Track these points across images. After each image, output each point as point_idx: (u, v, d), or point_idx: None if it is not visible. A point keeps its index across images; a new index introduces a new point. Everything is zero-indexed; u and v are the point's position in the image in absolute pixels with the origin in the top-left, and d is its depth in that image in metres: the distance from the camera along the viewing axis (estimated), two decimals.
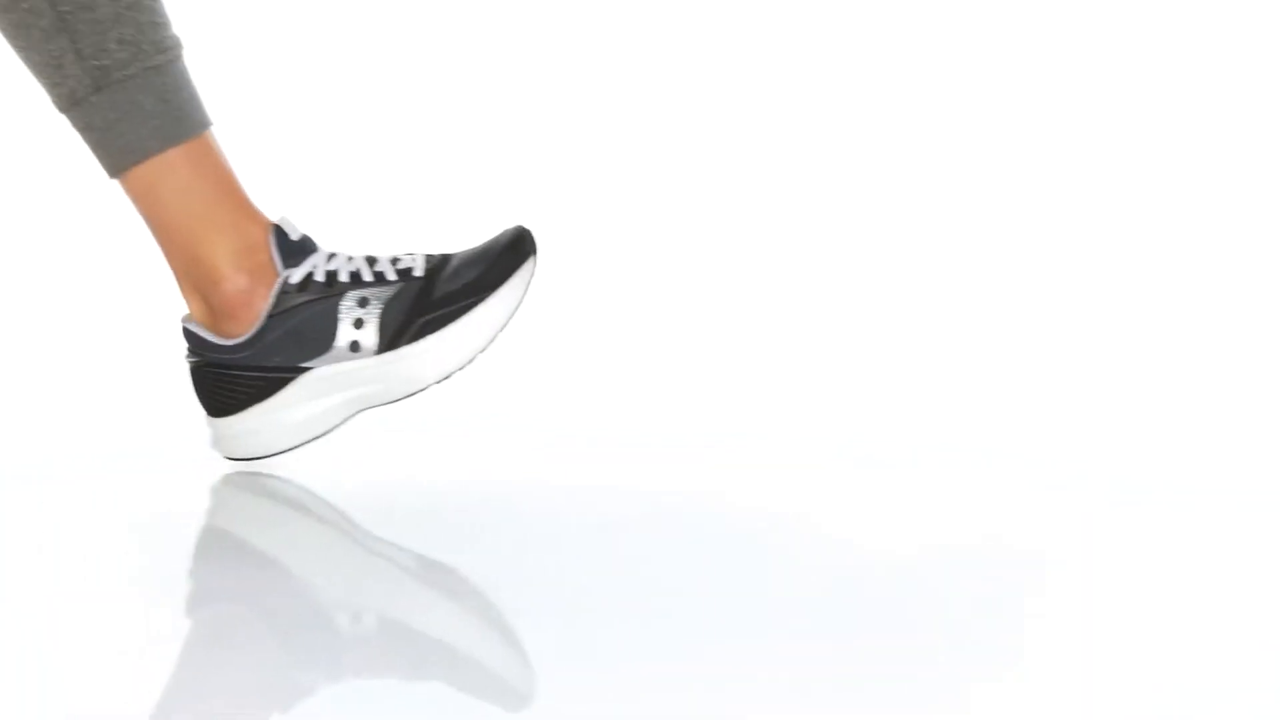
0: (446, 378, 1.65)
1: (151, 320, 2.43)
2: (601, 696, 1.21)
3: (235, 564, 1.53)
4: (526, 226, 1.69)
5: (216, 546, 1.58)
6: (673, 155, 3.04)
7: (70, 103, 1.62)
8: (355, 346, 1.64)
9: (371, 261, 1.66)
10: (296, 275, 1.65)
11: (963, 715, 1.19)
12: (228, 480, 1.70)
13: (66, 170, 2.95)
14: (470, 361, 1.65)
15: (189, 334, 1.67)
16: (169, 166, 1.63)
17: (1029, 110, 3.13)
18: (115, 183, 1.66)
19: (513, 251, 1.67)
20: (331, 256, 1.66)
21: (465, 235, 2.71)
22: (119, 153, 1.62)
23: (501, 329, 1.66)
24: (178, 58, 1.63)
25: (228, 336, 1.66)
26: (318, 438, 1.68)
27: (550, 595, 1.43)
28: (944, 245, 2.84)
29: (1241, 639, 1.32)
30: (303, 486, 1.68)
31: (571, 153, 3.02)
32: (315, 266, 1.65)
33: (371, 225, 2.28)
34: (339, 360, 1.65)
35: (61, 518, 1.61)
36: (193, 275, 1.66)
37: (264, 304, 1.65)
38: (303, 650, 1.31)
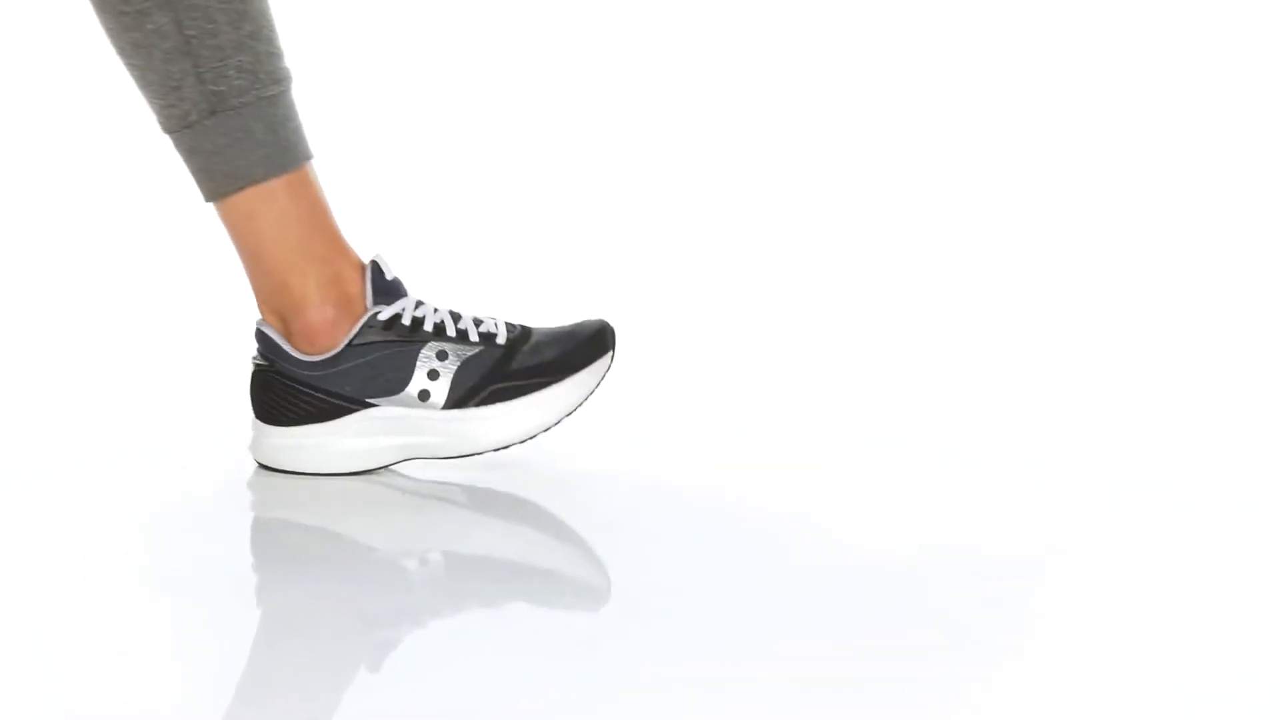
0: (504, 448, 1.68)
1: (153, 320, 2.43)
2: (601, 695, 1.21)
3: (250, 559, 1.53)
4: (610, 323, 1.72)
5: (234, 540, 1.58)
6: (677, 160, 3.05)
7: (181, 125, 1.63)
8: (424, 396, 1.67)
9: (456, 318, 1.69)
10: (385, 313, 1.67)
11: (963, 715, 1.19)
12: (232, 477, 1.71)
13: (67, 171, 2.96)
14: (531, 437, 1.68)
15: (263, 337, 1.68)
16: (271, 195, 1.65)
17: (1028, 112, 3.13)
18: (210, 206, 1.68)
19: (594, 342, 1.70)
20: (419, 304, 1.69)
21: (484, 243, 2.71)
22: (223, 178, 1.64)
23: (568, 414, 1.69)
24: (288, 89, 1.65)
25: (305, 355, 1.67)
26: (358, 473, 1.69)
27: (550, 592, 1.43)
28: (945, 246, 2.84)
29: (1241, 639, 1.32)
30: (309, 488, 1.68)
31: (576, 154, 3.02)
32: (404, 309, 1.68)
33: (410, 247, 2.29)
34: (405, 405, 1.67)
35: (61, 518, 1.61)
36: (277, 300, 1.68)
37: (347, 332, 1.67)
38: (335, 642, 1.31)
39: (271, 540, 1.62)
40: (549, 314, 2.44)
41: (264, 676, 1.27)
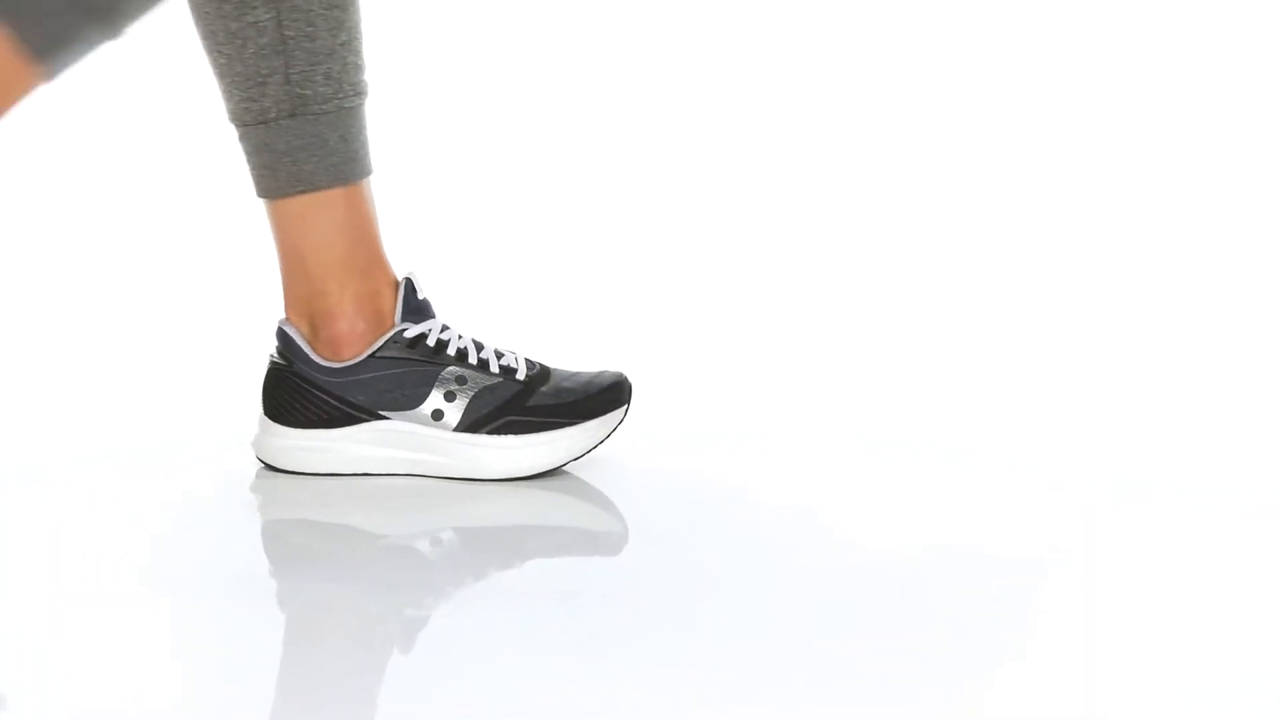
0: (507, 479, 1.68)
1: (154, 320, 2.43)
2: (605, 690, 1.21)
3: (260, 556, 1.53)
4: (628, 377, 1.73)
5: (235, 536, 1.59)
6: (683, 167, 3.05)
7: (258, 120, 1.64)
8: (438, 415, 1.68)
9: (479, 347, 1.70)
10: (412, 331, 1.68)
11: (966, 714, 1.19)
12: (233, 477, 1.71)
13: (67, 171, 2.96)
14: (533, 474, 1.69)
15: (284, 337, 1.69)
16: (329, 203, 1.66)
17: (1027, 112, 3.13)
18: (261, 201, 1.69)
19: (611, 394, 1.71)
20: (445, 328, 1.70)
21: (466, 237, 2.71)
22: (288, 179, 1.65)
23: (574, 458, 1.70)
24: (363, 103, 1.67)
25: (325, 360, 1.68)
26: (358, 475, 1.70)
27: (552, 590, 1.43)
28: (947, 246, 2.84)
29: (1242, 639, 1.32)
30: (309, 487, 1.68)
31: (579, 154, 3.03)
32: (430, 330, 1.69)
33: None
34: (416, 422, 1.68)
35: (61, 518, 1.61)
36: (310, 304, 1.69)
37: (371, 345, 1.68)
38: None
39: (276, 537, 1.62)
40: (558, 314, 2.45)
41: (282, 672, 1.27)
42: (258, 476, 1.70)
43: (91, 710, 1.19)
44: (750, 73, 3.19)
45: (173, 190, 2.93)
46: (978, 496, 1.68)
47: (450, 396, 1.68)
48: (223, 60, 1.63)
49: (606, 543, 1.61)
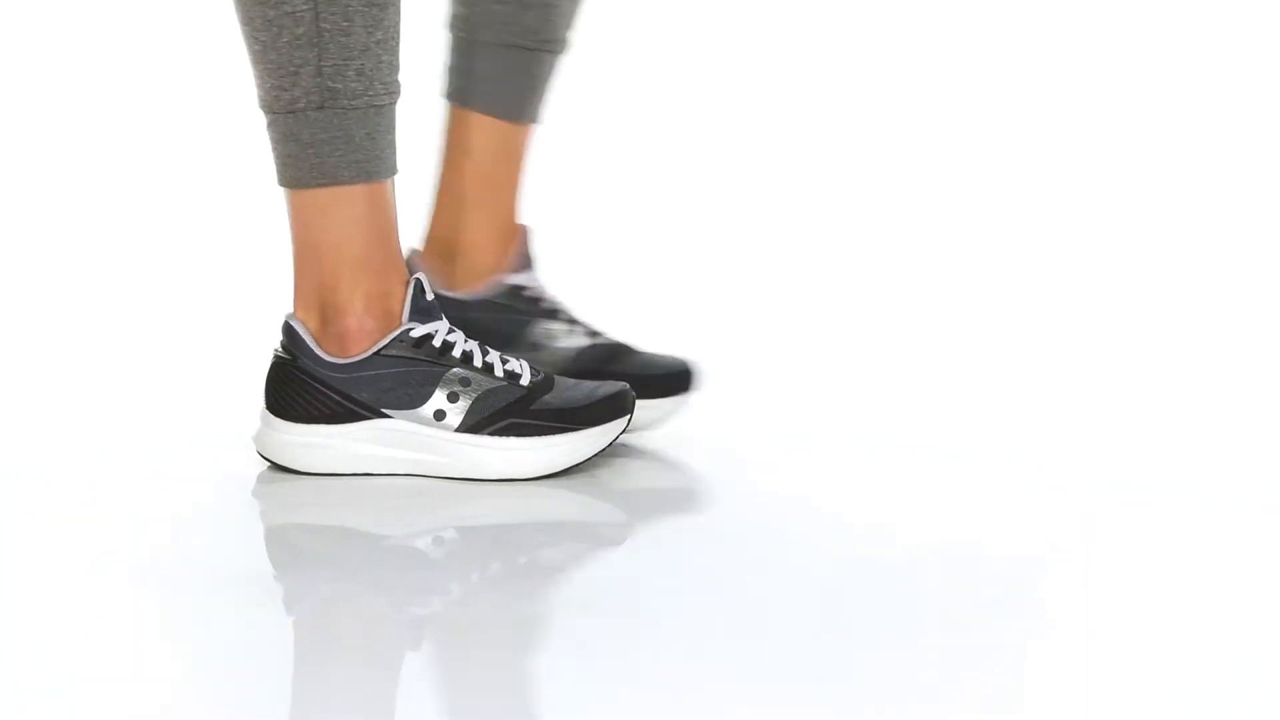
0: (506, 480, 1.68)
1: (157, 315, 2.44)
2: (604, 692, 1.21)
3: (263, 557, 1.53)
4: (630, 388, 1.73)
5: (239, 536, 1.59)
6: (681, 166, 3.06)
7: (286, 109, 1.64)
8: (440, 415, 1.68)
9: (484, 351, 1.71)
10: (418, 331, 1.68)
11: (963, 715, 1.20)
12: (233, 478, 1.71)
13: (66, 171, 2.96)
14: (535, 477, 1.69)
15: (290, 331, 1.69)
16: (350, 198, 1.67)
17: (1028, 113, 3.14)
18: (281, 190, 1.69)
19: (613, 403, 1.71)
20: (451, 330, 1.70)
21: None
22: (310, 170, 1.65)
23: (574, 463, 1.70)
24: (394, 102, 1.67)
25: (330, 355, 1.69)
26: (358, 475, 1.70)
27: (554, 589, 1.43)
28: (948, 246, 2.85)
29: (1242, 639, 1.32)
30: (312, 485, 1.68)
31: (583, 162, 3.03)
32: (437, 331, 1.69)
33: None
34: (418, 422, 1.68)
35: (62, 520, 1.61)
36: (322, 298, 1.69)
37: (378, 342, 1.68)
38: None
39: (278, 537, 1.62)
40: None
41: (285, 673, 1.27)
42: (259, 478, 1.70)
43: (92, 712, 1.19)
44: (752, 79, 3.20)
45: (175, 185, 2.93)
46: (978, 496, 1.68)
47: (453, 397, 1.68)
48: (257, 47, 1.64)
49: (608, 541, 1.61)
